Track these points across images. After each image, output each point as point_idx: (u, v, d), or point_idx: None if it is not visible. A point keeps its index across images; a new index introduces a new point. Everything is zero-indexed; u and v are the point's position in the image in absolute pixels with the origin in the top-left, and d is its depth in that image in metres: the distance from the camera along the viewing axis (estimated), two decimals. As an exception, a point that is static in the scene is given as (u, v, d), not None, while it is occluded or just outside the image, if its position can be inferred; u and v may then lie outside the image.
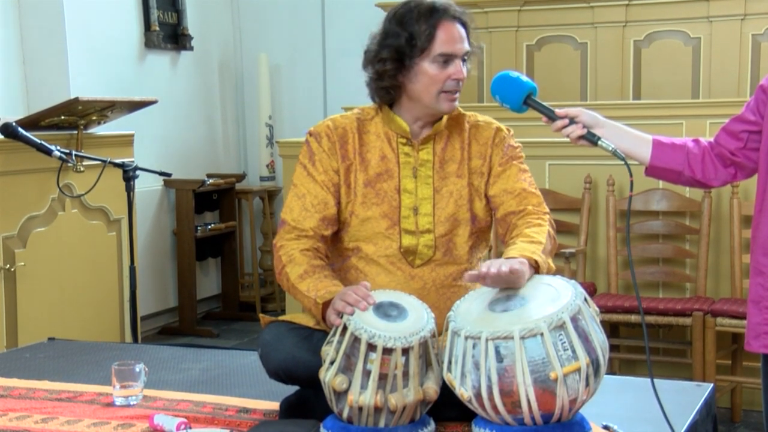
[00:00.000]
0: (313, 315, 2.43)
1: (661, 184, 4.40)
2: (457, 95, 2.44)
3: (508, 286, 2.18)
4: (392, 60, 2.41)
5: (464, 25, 2.45)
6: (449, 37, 2.40)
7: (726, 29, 5.72)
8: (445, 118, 2.50)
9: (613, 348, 4.26)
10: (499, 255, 2.63)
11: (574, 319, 2.06)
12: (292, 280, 2.39)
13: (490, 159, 2.51)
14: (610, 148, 2.32)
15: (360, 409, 2.12)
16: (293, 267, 2.41)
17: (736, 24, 5.70)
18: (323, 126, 2.54)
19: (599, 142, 2.33)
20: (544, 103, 2.39)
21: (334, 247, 2.55)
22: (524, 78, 2.39)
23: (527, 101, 2.38)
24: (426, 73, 2.40)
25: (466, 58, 2.45)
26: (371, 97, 2.51)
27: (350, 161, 2.50)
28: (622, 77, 5.97)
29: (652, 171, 2.43)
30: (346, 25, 6.68)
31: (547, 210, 2.50)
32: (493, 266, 2.15)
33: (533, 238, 2.34)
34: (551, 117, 2.37)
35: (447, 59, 2.40)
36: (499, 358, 2.03)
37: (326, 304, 2.29)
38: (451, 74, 2.41)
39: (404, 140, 2.49)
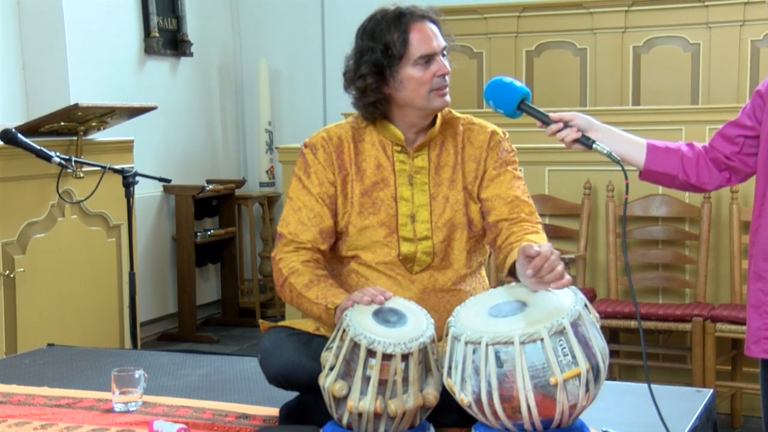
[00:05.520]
0: (314, 322, 2.43)
1: (660, 189, 4.40)
2: (447, 90, 2.45)
3: (541, 278, 2.13)
4: (372, 74, 2.40)
5: (434, 21, 2.46)
6: (423, 37, 2.41)
7: (725, 35, 5.73)
8: (438, 123, 2.50)
9: (613, 354, 4.25)
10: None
11: (575, 325, 2.05)
12: (299, 289, 2.38)
13: (484, 162, 2.50)
14: (605, 152, 2.32)
15: (359, 415, 2.12)
16: (297, 277, 2.40)
17: (735, 30, 5.70)
18: (318, 137, 2.53)
19: (594, 146, 2.33)
20: (538, 108, 2.39)
21: (333, 254, 2.54)
22: (517, 83, 2.39)
23: (521, 106, 2.38)
24: (411, 78, 2.40)
25: (445, 53, 2.45)
26: (361, 115, 2.51)
27: (346, 171, 2.49)
28: (621, 83, 5.97)
29: (646, 175, 2.43)
30: (346, 31, 6.64)
31: (539, 220, 2.49)
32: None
33: (537, 243, 2.32)
34: (545, 121, 2.37)
35: (427, 59, 2.41)
36: (499, 363, 2.03)
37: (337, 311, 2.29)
38: (435, 72, 2.41)
39: (399, 148, 2.49)
